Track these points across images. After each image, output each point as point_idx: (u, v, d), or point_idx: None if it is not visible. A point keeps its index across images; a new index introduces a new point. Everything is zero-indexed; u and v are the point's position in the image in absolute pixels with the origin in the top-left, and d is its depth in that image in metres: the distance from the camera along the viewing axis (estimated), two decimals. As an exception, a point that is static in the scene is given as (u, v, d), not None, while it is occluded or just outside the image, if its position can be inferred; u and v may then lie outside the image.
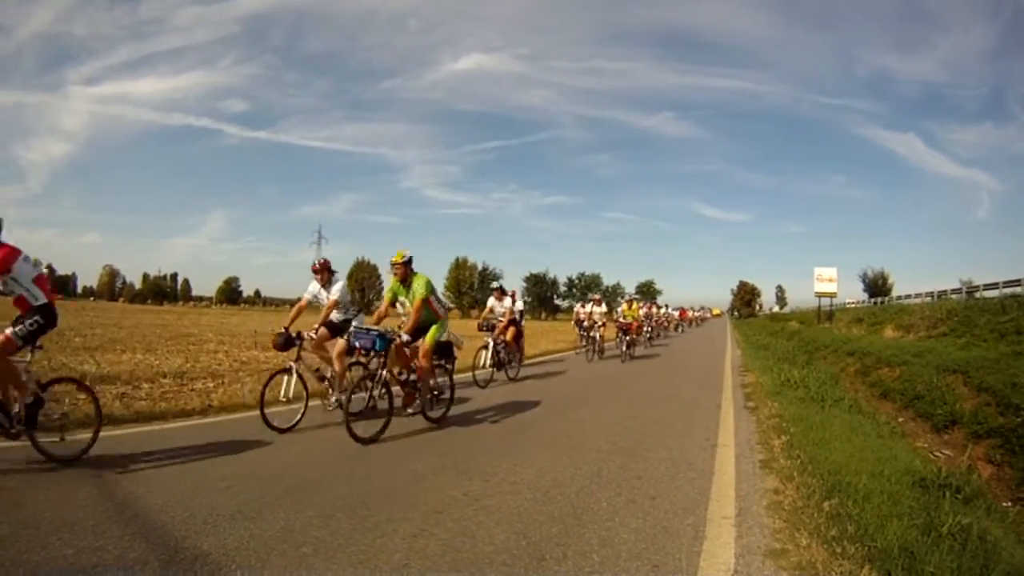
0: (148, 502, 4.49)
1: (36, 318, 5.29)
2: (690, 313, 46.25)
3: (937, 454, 9.16)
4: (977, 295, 26.61)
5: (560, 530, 4.16)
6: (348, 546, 3.80)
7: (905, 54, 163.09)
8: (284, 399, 7.48)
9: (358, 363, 8.16)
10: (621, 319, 19.82)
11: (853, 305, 48.09)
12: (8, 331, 5.14)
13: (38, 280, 5.40)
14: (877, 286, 65.30)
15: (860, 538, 3.89)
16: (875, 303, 45.73)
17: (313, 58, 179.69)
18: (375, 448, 6.48)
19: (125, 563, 3.44)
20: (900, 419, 11.41)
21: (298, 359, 7.52)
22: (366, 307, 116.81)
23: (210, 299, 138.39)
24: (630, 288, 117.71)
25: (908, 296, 39.14)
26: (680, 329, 41.91)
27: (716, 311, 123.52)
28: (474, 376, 11.63)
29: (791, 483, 5.21)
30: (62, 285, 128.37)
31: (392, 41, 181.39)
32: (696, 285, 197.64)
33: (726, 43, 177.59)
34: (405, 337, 7.41)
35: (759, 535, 4.15)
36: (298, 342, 7.63)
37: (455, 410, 8.37)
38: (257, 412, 6.84)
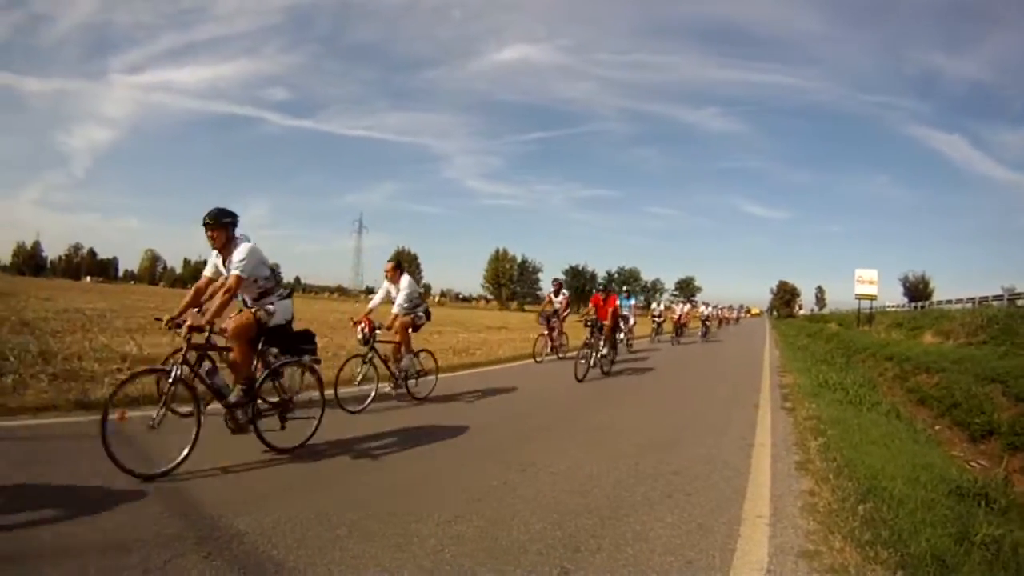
0: (183, 481, 4.67)
1: None
2: (702, 310, 35.54)
3: (973, 464, 9.14)
4: (1020, 303, 26.20)
5: (595, 522, 4.31)
6: (383, 530, 3.95)
7: (953, 52, 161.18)
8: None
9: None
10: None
11: (893, 309, 47.66)
12: None
13: None
14: (917, 290, 64.94)
15: (893, 543, 3.97)
16: (915, 307, 45.22)
17: (356, 48, 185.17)
18: (412, 434, 6.68)
19: (162, 539, 3.58)
20: (936, 427, 11.38)
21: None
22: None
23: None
24: (670, 284, 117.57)
25: (948, 301, 38.61)
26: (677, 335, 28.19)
27: (755, 310, 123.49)
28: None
29: (826, 485, 5.31)
30: (103, 269, 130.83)
31: (435, 31, 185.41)
32: (736, 283, 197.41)
33: (771, 38, 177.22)
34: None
35: (793, 536, 4.26)
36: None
37: (491, 399, 8.97)
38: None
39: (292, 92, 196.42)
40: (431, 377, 9.15)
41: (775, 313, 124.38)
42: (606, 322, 13.53)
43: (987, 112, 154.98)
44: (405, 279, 8.77)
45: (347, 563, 3.46)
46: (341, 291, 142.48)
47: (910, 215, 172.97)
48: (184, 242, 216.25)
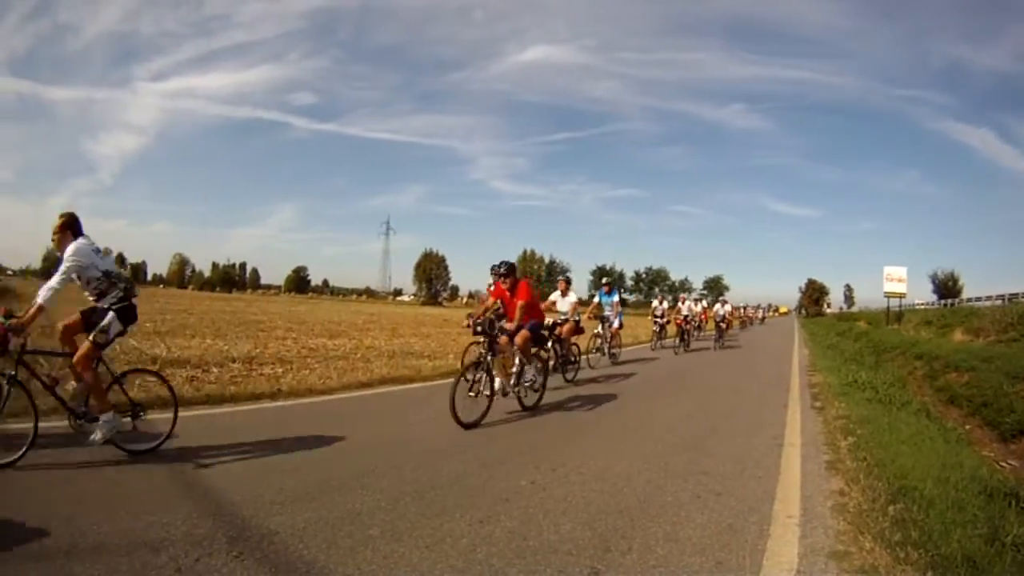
0: (216, 481, 4.79)
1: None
2: (716, 308, 28.01)
3: (1003, 464, 9.06)
4: (1052, 299, 25.86)
5: (625, 522, 4.35)
6: (415, 529, 4.01)
7: (979, 44, 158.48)
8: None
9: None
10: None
11: (922, 306, 47.23)
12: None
13: None
14: (947, 287, 64.28)
15: (923, 544, 3.96)
16: (944, 305, 44.79)
17: (380, 51, 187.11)
18: (443, 436, 6.76)
19: (193, 538, 3.66)
20: (967, 426, 11.28)
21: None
22: (432, 298, 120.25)
23: (278, 288, 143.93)
24: (698, 283, 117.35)
25: (978, 299, 38.24)
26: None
27: (784, 309, 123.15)
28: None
29: (857, 485, 5.30)
30: (132, 273, 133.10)
31: (458, 33, 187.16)
32: (764, 282, 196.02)
33: (796, 33, 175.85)
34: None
35: (823, 536, 4.26)
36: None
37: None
38: (323, 398, 7.07)
39: (317, 96, 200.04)
40: None
41: (804, 312, 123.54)
42: (509, 325, 8.27)
43: (1016, 104, 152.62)
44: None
45: (378, 563, 3.51)
46: (369, 293, 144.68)
47: (938, 211, 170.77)
48: (213, 245, 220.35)
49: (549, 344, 10.82)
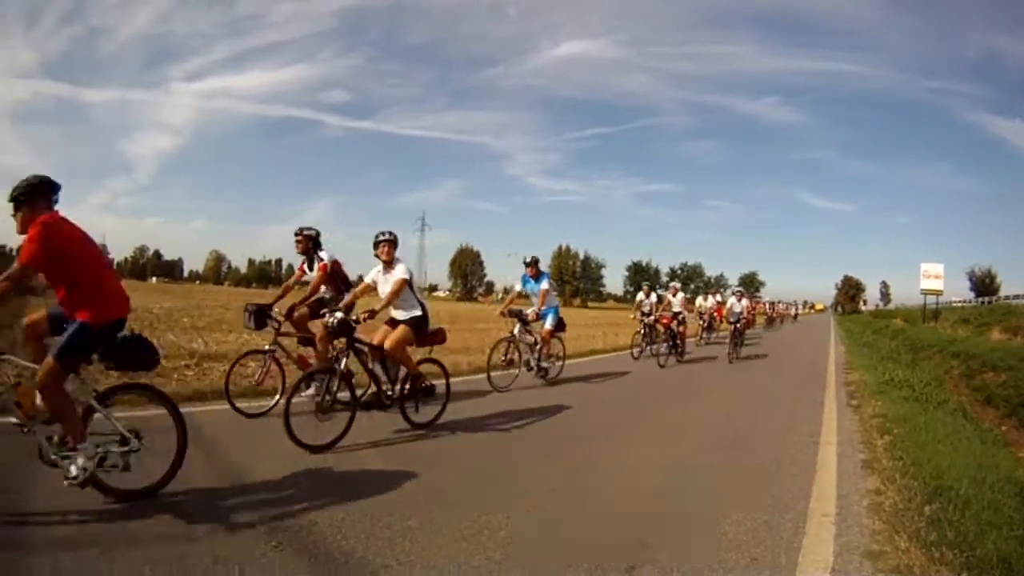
0: (258, 468, 4.90)
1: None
2: (734, 304, 18.87)
3: (1042, 466, 8.95)
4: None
5: (661, 518, 4.41)
6: (453, 521, 4.09)
7: (1015, 33, 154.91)
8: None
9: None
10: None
11: (959, 304, 46.59)
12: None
13: None
14: (984, 285, 63.19)
15: (959, 545, 3.97)
16: (981, 302, 44.15)
17: (413, 48, 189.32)
18: (480, 432, 6.87)
19: (233, 528, 3.75)
20: (1003, 427, 11.13)
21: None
22: (468, 293, 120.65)
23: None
24: (733, 279, 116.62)
25: (1016, 296, 37.61)
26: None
27: (819, 306, 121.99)
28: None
29: (892, 484, 5.30)
30: (169, 270, 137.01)
31: (491, 29, 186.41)
32: (800, 278, 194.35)
33: (828, 24, 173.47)
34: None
35: (858, 535, 4.27)
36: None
37: (564, 397, 9.17)
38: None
39: (350, 94, 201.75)
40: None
41: (840, 309, 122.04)
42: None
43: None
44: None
45: (417, 554, 3.57)
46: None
47: (975, 206, 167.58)
48: (248, 242, 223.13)
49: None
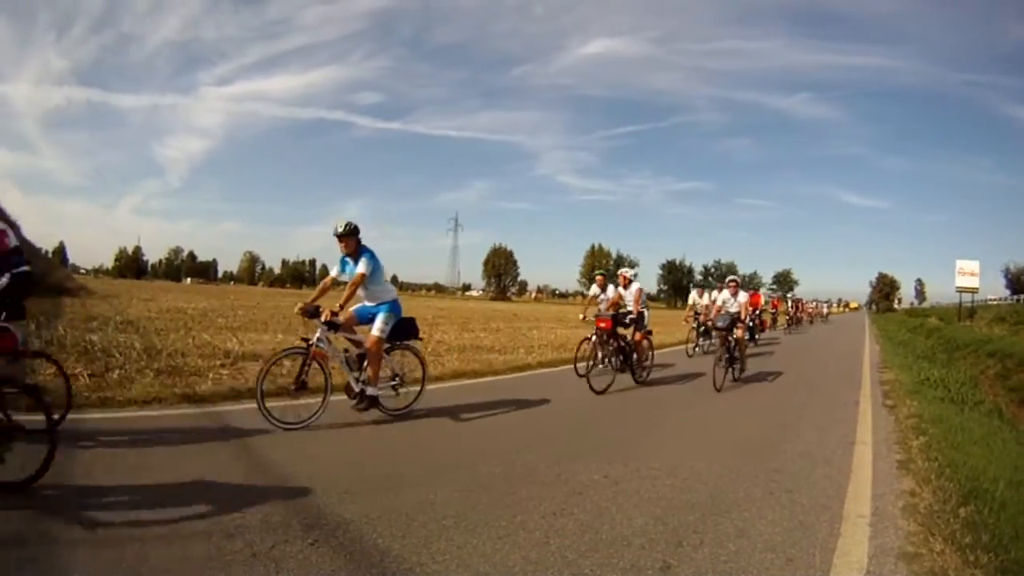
0: (290, 470, 4.96)
1: None
2: (726, 301, 13.40)
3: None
4: None
5: (697, 517, 4.44)
6: (488, 521, 4.14)
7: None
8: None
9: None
10: None
11: (995, 301, 45.90)
12: None
13: None
14: (1020, 282, 62.02)
15: (994, 548, 3.95)
16: (1018, 300, 43.45)
17: (443, 49, 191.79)
18: (514, 428, 6.99)
19: (269, 525, 3.81)
20: (1038, 428, 10.99)
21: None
22: (501, 292, 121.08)
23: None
24: (767, 277, 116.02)
25: (1053, 294, 36.92)
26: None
27: (854, 304, 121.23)
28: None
29: (928, 486, 5.29)
30: (203, 271, 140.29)
31: (520, 28, 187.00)
32: (834, 276, 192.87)
33: (861, 17, 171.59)
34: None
35: (893, 537, 4.28)
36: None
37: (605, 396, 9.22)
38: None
39: (381, 95, 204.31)
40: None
41: (874, 307, 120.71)
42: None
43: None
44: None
45: (452, 553, 3.61)
46: (438, 288, 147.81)
47: (1012, 201, 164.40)
48: (282, 243, 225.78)
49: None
